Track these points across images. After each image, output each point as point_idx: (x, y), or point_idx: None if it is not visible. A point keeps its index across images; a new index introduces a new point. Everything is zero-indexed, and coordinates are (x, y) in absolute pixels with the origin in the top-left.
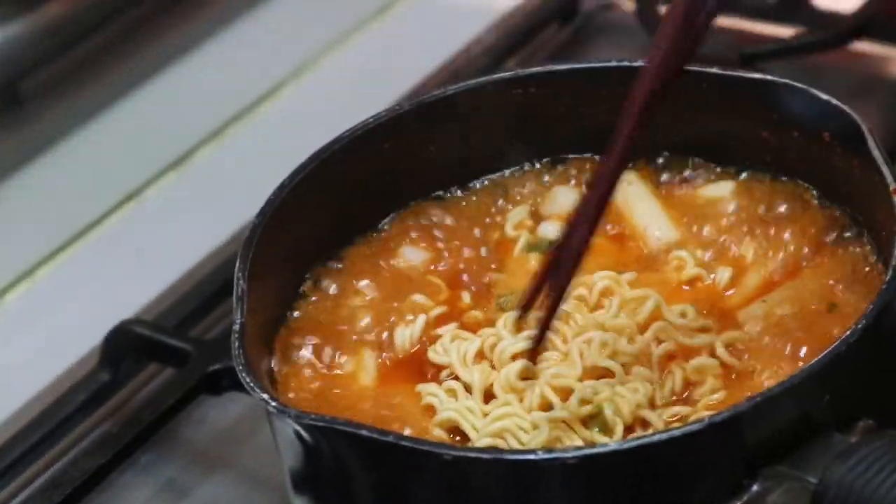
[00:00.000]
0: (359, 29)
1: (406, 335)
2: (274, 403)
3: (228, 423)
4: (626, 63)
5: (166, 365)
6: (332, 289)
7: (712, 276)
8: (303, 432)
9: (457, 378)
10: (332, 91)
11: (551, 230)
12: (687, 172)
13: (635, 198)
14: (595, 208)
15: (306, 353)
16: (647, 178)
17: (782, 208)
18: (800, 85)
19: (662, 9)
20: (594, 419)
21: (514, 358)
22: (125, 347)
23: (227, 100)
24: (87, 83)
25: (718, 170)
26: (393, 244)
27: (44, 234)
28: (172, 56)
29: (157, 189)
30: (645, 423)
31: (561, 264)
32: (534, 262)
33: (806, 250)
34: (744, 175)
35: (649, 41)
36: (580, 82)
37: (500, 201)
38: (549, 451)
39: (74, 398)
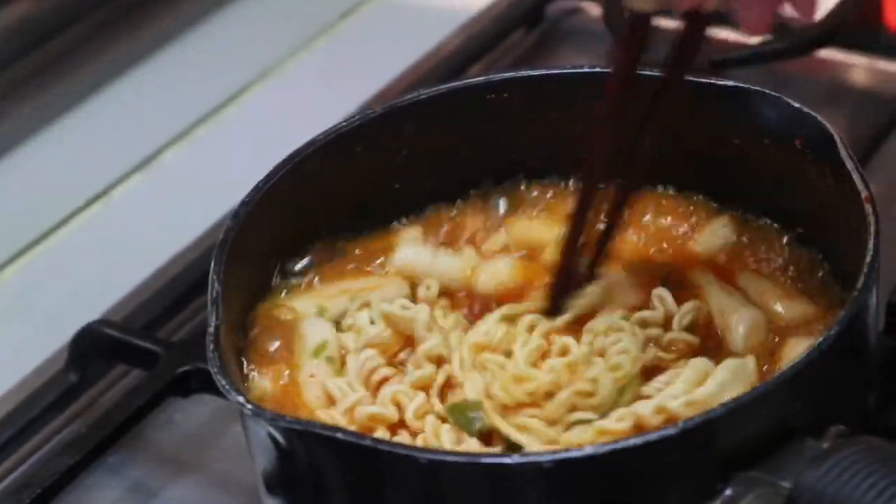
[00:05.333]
0: (325, 32)
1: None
2: (250, 406)
3: (196, 425)
4: (598, 69)
5: (134, 366)
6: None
7: None
8: (277, 435)
9: None
10: (298, 93)
11: None
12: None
13: None
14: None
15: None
16: None
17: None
18: (772, 93)
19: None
20: None
21: None
22: (93, 348)
23: (195, 101)
24: (54, 83)
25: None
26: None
27: (10, 234)
28: (140, 56)
29: (125, 190)
30: None
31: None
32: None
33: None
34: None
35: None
36: (553, 87)
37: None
38: (525, 455)
39: (42, 399)
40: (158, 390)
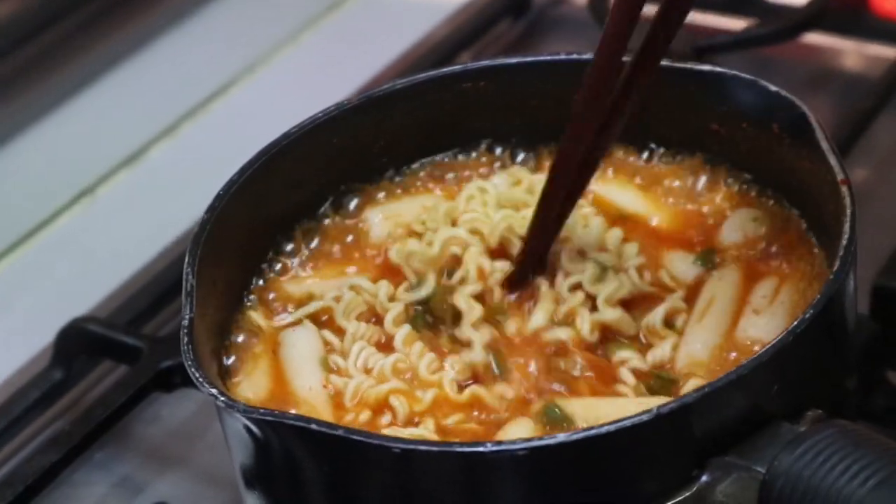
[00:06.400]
0: (311, 25)
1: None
2: (223, 398)
3: (181, 420)
4: (574, 56)
5: (119, 362)
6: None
7: None
8: (252, 427)
9: None
10: (284, 87)
11: None
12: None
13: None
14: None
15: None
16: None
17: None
18: (748, 76)
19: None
20: None
21: None
22: (77, 345)
23: (180, 97)
24: (39, 81)
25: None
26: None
27: None
28: (124, 53)
29: (110, 186)
30: None
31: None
32: None
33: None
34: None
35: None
36: (530, 76)
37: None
38: (498, 443)
39: (27, 396)
40: (142, 385)
